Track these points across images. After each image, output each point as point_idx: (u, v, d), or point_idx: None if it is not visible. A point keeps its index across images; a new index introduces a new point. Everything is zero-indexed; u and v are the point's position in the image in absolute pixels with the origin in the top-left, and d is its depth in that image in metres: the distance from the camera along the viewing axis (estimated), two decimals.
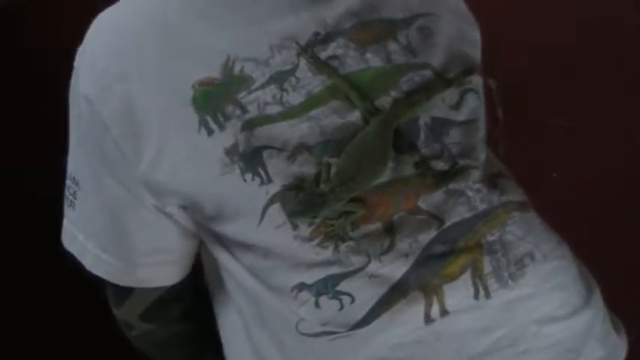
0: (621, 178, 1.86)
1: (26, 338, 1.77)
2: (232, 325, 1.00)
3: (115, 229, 0.95)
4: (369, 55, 0.93)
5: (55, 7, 1.58)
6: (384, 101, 0.93)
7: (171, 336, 1.06)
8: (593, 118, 1.83)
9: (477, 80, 1.00)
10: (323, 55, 0.92)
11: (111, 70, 0.91)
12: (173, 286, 0.99)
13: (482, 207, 0.94)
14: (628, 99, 1.83)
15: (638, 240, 1.85)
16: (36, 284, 1.74)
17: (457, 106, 0.96)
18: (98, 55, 0.93)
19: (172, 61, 0.90)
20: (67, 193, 0.98)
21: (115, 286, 0.99)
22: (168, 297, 1.00)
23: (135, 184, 0.92)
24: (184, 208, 0.92)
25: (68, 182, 0.97)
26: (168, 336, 1.05)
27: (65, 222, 0.99)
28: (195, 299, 1.03)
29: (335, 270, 0.90)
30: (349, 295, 0.90)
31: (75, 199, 0.96)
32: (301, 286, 0.91)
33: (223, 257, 0.95)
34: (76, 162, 0.97)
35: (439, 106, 0.95)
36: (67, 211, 0.99)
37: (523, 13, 1.79)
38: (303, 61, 0.91)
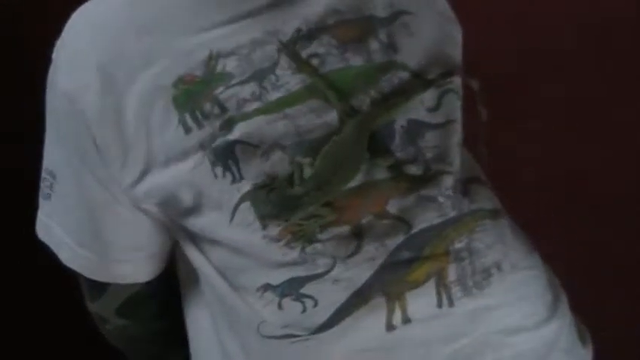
0: (621, 179, 1.85)
1: (26, 337, 1.77)
2: (201, 323, 1.00)
3: (92, 225, 0.95)
4: (349, 54, 0.92)
5: (55, 7, 1.57)
6: (362, 101, 0.91)
7: (145, 332, 1.06)
8: (593, 118, 1.82)
9: (457, 81, 0.98)
10: (304, 53, 0.91)
11: (97, 66, 0.89)
12: (148, 283, 0.99)
13: (452, 213, 0.93)
14: (628, 99, 1.83)
15: (638, 240, 1.85)
16: (36, 284, 1.74)
17: (435, 108, 0.95)
18: (80, 50, 0.91)
19: (158, 54, 0.88)
20: (42, 185, 0.97)
21: (91, 281, 0.99)
22: (143, 293, 1.00)
23: (114, 185, 0.91)
24: (161, 204, 0.92)
25: (44, 174, 0.97)
26: (142, 332, 1.05)
27: (40, 214, 0.99)
28: (170, 297, 1.03)
29: (301, 272, 0.89)
30: (312, 298, 0.89)
31: (51, 191, 0.96)
32: (267, 287, 0.90)
33: (194, 255, 0.95)
34: (54, 157, 0.96)
35: (417, 108, 0.94)
36: (43, 204, 0.98)
37: (522, 14, 1.79)
38: (283, 59, 0.90)
